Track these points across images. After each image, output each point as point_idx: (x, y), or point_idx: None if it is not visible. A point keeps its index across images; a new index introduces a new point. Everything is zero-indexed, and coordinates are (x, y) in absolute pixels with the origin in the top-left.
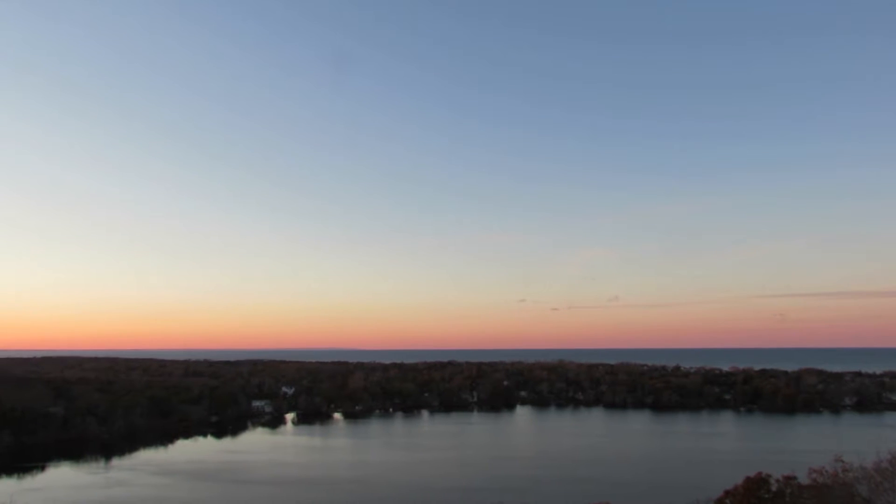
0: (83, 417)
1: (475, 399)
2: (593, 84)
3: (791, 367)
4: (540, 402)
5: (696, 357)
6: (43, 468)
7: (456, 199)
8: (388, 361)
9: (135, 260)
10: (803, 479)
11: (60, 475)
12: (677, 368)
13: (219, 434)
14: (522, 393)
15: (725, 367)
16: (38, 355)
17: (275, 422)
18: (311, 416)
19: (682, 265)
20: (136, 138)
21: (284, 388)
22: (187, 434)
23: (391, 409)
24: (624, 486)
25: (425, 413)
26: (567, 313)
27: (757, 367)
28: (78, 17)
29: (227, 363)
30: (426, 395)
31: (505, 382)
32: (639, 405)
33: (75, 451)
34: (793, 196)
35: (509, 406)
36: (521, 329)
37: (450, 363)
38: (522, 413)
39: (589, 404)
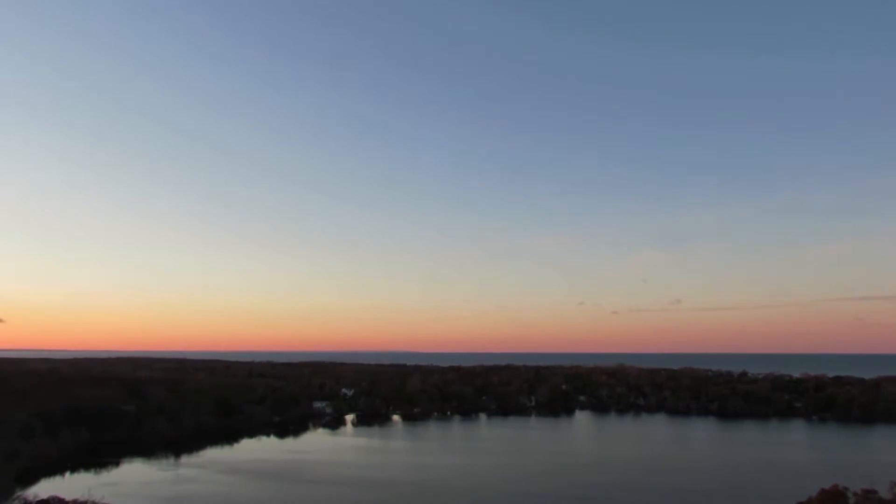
0: (154, 416)
1: (533, 403)
2: (645, 87)
3: (869, 374)
4: (600, 406)
5: (763, 362)
6: (117, 464)
7: (511, 202)
8: (445, 364)
9: (201, 263)
10: (884, 493)
11: (133, 470)
12: (744, 374)
13: (281, 434)
14: (582, 397)
15: (796, 374)
16: (113, 356)
17: (335, 423)
18: (370, 417)
19: (748, 267)
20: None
21: (344, 390)
22: (251, 433)
23: (449, 412)
24: (690, 495)
25: (483, 417)
26: (627, 316)
27: (830, 374)
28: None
29: (289, 365)
30: (484, 398)
31: (563, 386)
32: (703, 412)
33: (146, 447)
34: (871, 194)
35: (568, 411)
36: (580, 332)
37: (507, 367)
38: (582, 418)
39: (651, 410)
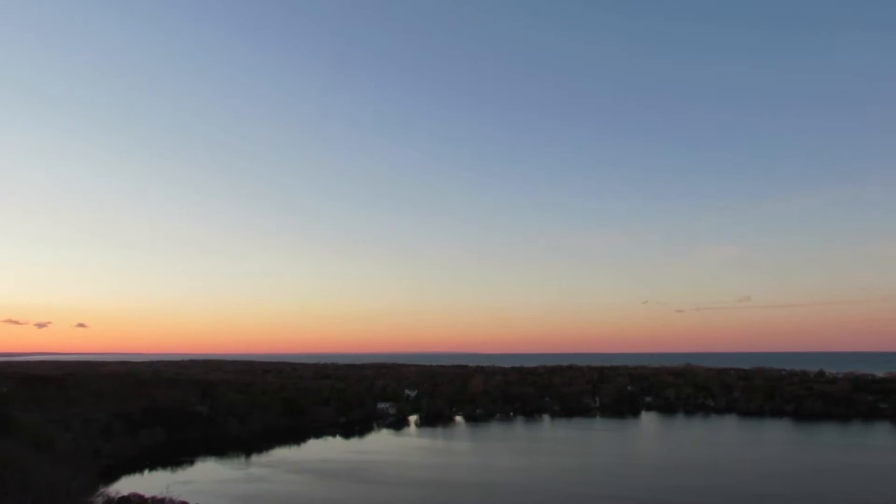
0: (225, 416)
1: (597, 404)
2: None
3: None
4: (666, 408)
5: (841, 361)
6: (192, 462)
7: (570, 199)
8: (506, 365)
9: (269, 269)
10: None
11: (207, 469)
12: (821, 373)
13: (346, 434)
14: (647, 398)
15: (879, 373)
16: (186, 358)
17: (399, 423)
18: (433, 418)
19: (821, 262)
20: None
21: (407, 391)
22: (318, 434)
23: (511, 413)
24: (768, 499)
25: (546, 418)
26: (693, 315)
27: None
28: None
29: (352, 366)
30: (546, 399)
31: (628, 387)
32: (777, 413)
33: (218, 447)
34: None
35: (633, 412)
36: (644, 332)
37: (570, 367)
38: (648, 419)
39: (720, 411)
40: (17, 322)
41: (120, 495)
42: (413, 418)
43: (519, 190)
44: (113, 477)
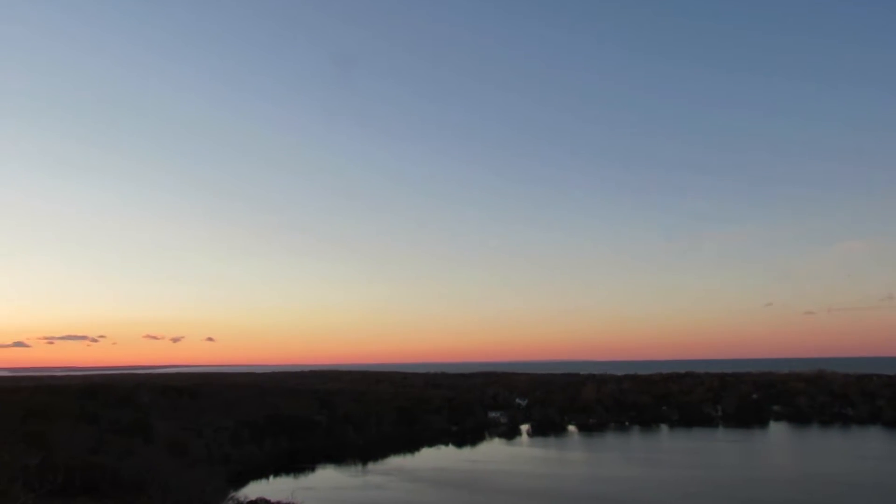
0: (342, 425)
1: (719, 413)
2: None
3: None
4: (798, 417)
5: None
6: (313, 469)
7: (687, 196)
8: (619, 373)
9: (386, 282)
10: None
11: (326, 476)
12: None
13: (458, 443)
14: (775, 407)
15: None
16: (305, 369)
17: (510, 432)
18: (546, 427)
19: None
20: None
21: (518, 400)
22: (430, 442)
23: (626, 423)
24: None
25: (664, 427)
26: (825, 316)
27: None
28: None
29: (462, 375)
30: (664, 408)
31: (753, 395)
32: None
33: (336, 455)
34: None
35: (760, 422)
36: (768, 336)
37: (687, 374)
38: (777, 430)
39: (862, 421)
40: (155, 337)
41: (249, 499)
42: (525, 427)
43: (640, 188)
44: (241, 482)
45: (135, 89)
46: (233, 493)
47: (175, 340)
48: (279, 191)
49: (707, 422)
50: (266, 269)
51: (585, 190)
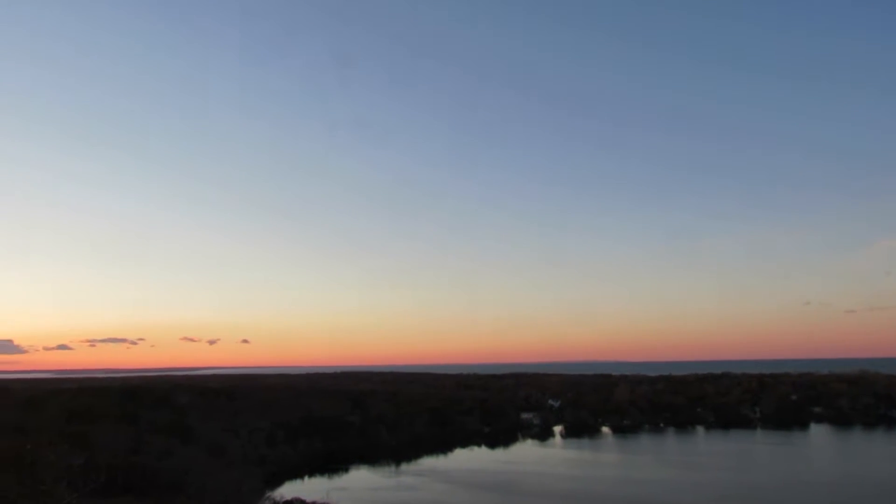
0: (375, 426)
1: (757, 415)
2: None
3: None
4: (840, 419)
5: None
6: (347, 470)
7: (721, 194)
8: (653, 374)
9: (412, 287)
10: None
11: (359, 477)
12: None
13: (491, 445)
14: (816, 408)
15: None
16: (338, 370)
17: (543, 434)
18: (579, 428)
19: None
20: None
21: (550, 401)
22: (463, 444)
23: (661, 424)
24: None
25: (700, 429)
26: (866, 316)
27: None
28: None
29: (493, 376)
30: (699, 409)
31: (793, 396)
32: None
33: (370, 456)
34: None
35: (800, 423)
36: (807, 336)
37: (724, 375)
38: (818, 432)
39: None
40: (192, 340)
41: (284, 499)
42: (558, 429)
43: (676, 186)
44: (277, 482)
45: (170, 94)
46: (269, 493)
47: (211, 343)
48: (312, 197)
49: (745, 424)
50: (299, 273)
51: (614, 190)
